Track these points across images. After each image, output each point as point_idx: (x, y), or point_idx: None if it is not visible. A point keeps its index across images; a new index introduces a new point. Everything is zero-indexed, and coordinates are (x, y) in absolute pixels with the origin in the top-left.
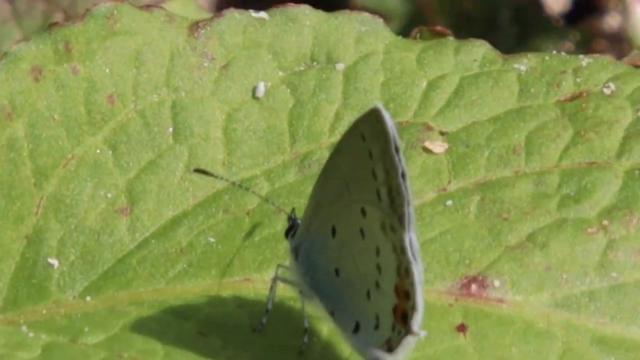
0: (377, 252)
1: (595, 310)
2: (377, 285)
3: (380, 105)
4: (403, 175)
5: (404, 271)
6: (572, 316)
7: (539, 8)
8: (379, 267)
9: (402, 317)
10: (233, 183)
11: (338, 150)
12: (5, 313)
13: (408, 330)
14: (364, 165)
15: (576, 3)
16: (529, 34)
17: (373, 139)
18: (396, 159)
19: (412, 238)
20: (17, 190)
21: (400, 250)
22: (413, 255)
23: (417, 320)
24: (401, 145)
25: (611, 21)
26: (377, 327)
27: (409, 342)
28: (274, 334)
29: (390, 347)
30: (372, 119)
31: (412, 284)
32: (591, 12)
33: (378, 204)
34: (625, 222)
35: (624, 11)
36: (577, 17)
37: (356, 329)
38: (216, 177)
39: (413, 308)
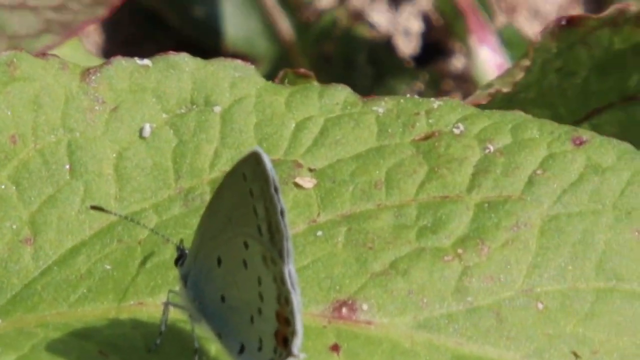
0: (259, 282)
1: (453, 332)
2: (260, 311)
3: (259, 149)
4: (282, 213)
5: (284, 300)
6: (433, 337)
7: (391, 51)
8: (261, 296)
9: (284, 341)
10: (124, 217)
11: (221, 188)
12: None
13: (289, 353)
14: (246, 202)
15: (425, 46)
16: (383, 74)
17: (254, 179)
18: (275, 198)
19: (291, 270)
20: None
21: (280, 281)
22: (292, 285)
23: (297, 344)
24: (279, 185)
25: (457, 63)
26: (260, 349)
27: None
28: (167, 353)
29: None
30: (252, 161)
31: (291, 312)
32: (439, 54)
33: (259, 238)
34: (478, 251)
35: (468, 54)
36: (427, 59)
37: (241, 350)
38: (110, 212)
39: (293, 333)
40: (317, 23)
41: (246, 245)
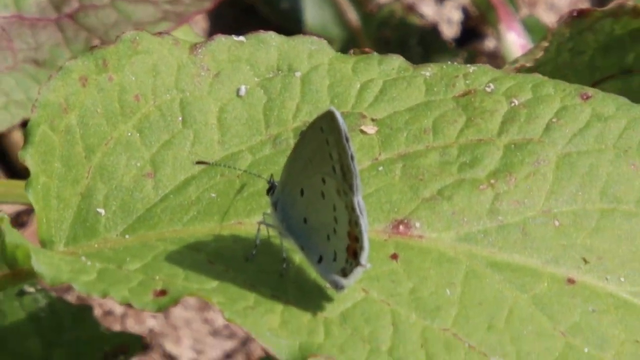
0: (334, 209)
1: (487, 243)
2: (335, 231)
3: (334, 109)
4: (352, 158)
5: (354, 223)
6: (472, 247)
7: (437, 35)
8: (335, 219)
9: (353, 254)
10: (220, 164)
11: (303, 138)
12: (68, 247)
13: (358, 263)
14: (323, 149)
15: (463, 31)
16: (430, 54)
17: (329, 132)
18: (346, 146)
19: (359, 200)
20: (72, 162)
21: (351, 209)
22: (360, 211)
23: (364, 256)
24: (349, 136)
25: (489, 44)
26: (335, 259)
27: (359, 271)
28: (260, 262)
29: (344, 274)
30: (328, 118)
31: (360, 232)
32: (475, 37)
33: (334, 175)
34: (506, 181)
35: (499, 37)
36: (465, 41)
37: (320, 260)
38: (211, 164)
39: (361, 248)
40: (378, 14)
41: (324, 181)
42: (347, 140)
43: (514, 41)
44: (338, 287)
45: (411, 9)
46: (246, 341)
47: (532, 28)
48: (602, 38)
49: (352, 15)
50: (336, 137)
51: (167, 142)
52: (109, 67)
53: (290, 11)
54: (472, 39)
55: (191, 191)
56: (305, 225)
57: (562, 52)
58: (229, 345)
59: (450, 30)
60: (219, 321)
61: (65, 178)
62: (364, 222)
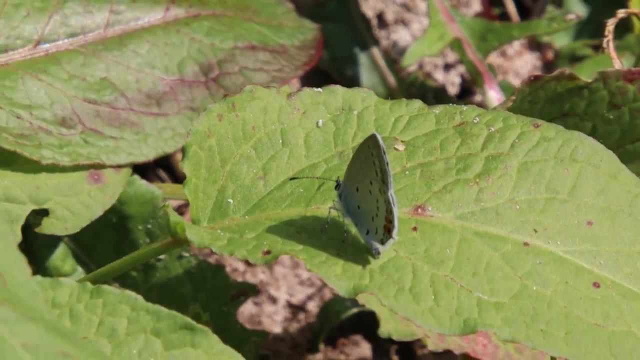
0: (377, 201)
1: (474, 220)
2: (377, 215)
3: (376, 132)
4: (387, 164)
5: (389, 211)
6: (464, 223)
7: (445, 92)
8: (377, 208)
9: (388, 230)
10: (306, 177)
11: (357, 152)
12: (209, 224)
13: (390, 236)
14: (369, 160)
15: (462, 89)
16: (440, 104)
17: (373, 147)
18: (384, 157)
19: (392, 194)
20: (212, 169)
21: (387, 201)
22: (393, 203)
23: (395, 232)
24: (386, 149)
25: (478, 98)
26: (376, 233)
27: (390, 242)
28: (331, 232)
29: (382, 243)
30: (373, 138)
31: (392, 217)
32: (469, 94)
33: (376, 178)
34: (486, 180)
35: (484, 93)
36: (462, 96)
37: (367, 233)
38: (299, 178)
39: (393, 227)
40: (408, 78)
41: (371, 183)
42: (384, 152)
43: (494, 96)
44: (378, 251)
45: (429, 75)
46: (321, 288)
47: (505, 88)
48: (549, 94)
49: (391, 79)
50: (377, 151)
51: (273, 156)
52: (236, 108)
53: (352, 77)
54: (467, 95)
55: (287, 188)
56: (359, 210)
57: (523, 103)
58: (310, 290)
59: (453, 89)
60: (304, 275)
61: (208, 180)
62: (395, 210)
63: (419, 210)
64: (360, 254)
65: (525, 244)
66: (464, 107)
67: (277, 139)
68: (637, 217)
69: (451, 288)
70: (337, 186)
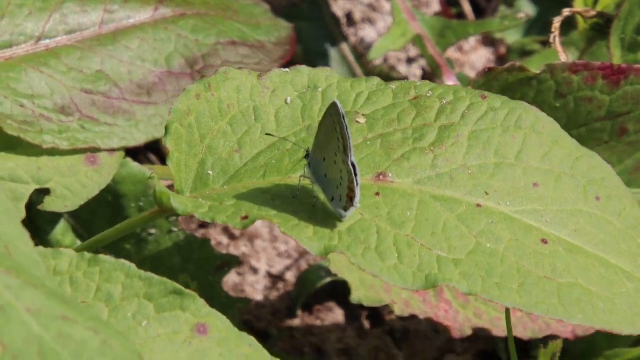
0: (341, 171)
1: (431, 185)
2: (341, 183)
3: (336, 100)
4: (346, 128)
5: (351, 180)
6: (422, 187)
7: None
8: (341, 177)
9: (350, 199)
10: (281, 138)
11: (321, 122)
12: (191, 194)
13: (352, 204)
14: (331, 126)
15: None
16: None
17: (334, 115)
18: (343, 122)
19: (355, 163)
20: (192, 144)
21: (349, 172)
22: (355, 172)
23: (356, 201)
24: (345, 114)
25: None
26: (340, 200)
27: (353, 209)
28: (302, 198)
29: (345, 209)
30: (334, 106)
31: (354, 185)
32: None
33: (339, 148)
34: (440, 148)
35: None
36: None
37: (332, 199)
38: (273, 136)
39: (355, 195)
40: (374, 70)
41: (335, 154)
42: (343, 117)
43: None
44: (342, 217)
45: (393, 68)
46: (298, 259)
47: (462, 79)
48: (502, 84)
49: (359, 72)
50: (338, 118)
51: (247, 131)
52: (212, 88)
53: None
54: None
55: (261, 159)
56: (325, 178)
57: None
58: (288, 262)
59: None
60: (282, 248)
61: (189, 154)
62: (357, 179)
63: (381, 177)
64: (329, 218)
65: (478, 205)
66: (418, 82)
67: (250, 115)
68: (579, 178)
69: (413, 247)
70: (307, 156)
